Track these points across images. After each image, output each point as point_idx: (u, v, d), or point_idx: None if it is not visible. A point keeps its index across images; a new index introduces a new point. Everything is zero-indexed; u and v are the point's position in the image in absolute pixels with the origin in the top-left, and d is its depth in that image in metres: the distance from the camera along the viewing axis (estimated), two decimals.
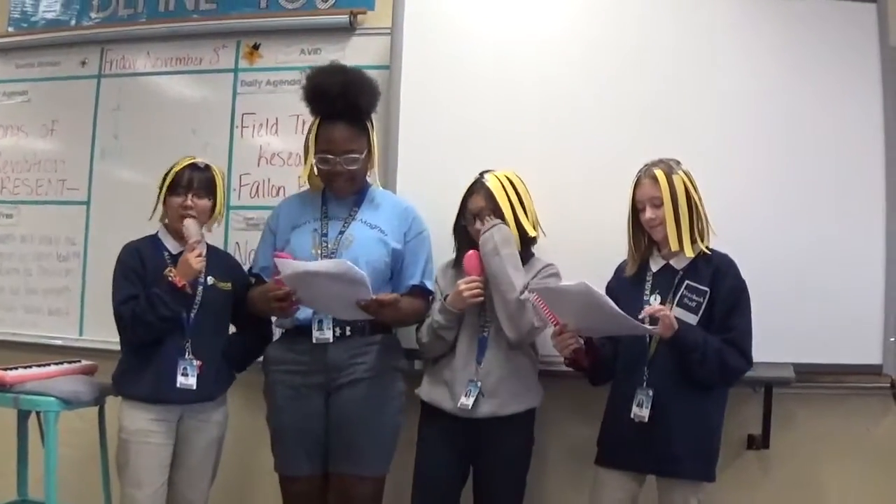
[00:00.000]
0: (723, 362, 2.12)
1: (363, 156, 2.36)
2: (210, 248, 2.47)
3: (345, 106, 2.32)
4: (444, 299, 2.36)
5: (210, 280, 2.41)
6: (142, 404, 2.32)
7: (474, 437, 2.34)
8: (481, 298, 2.32)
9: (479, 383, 2.32)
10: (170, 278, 2.29)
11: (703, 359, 2.11)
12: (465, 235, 2.45)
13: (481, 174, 2.44)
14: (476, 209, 2.39)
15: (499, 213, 2.37)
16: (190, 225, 2.36)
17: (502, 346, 2.35)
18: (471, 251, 2.36)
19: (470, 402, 2.30)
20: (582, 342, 2.21)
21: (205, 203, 2.41)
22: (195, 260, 2.31)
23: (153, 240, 2.46)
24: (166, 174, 2.42)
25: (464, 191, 2.45)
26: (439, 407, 2.37)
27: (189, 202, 2.37)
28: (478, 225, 2.38)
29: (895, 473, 2.64)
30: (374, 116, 2.46)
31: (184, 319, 2.36)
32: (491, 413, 2.31)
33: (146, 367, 2.32)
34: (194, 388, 2.33)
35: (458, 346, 2.38)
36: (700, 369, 2.12)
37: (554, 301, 2.16)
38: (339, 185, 2.38)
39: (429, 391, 2.42)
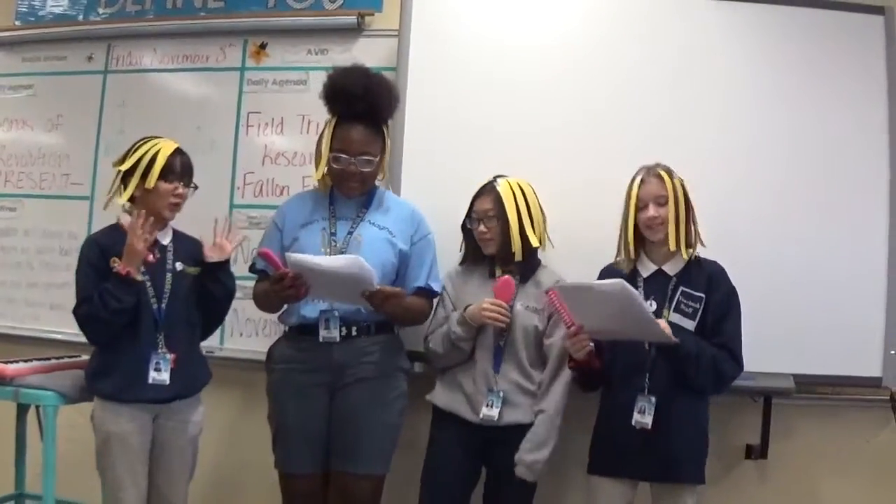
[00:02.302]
0: (718, 369, 2.14)
1: (377, 159, 2.37)
2: (177, 233, 2.42)
3: (365, 107, 2.33)
4: (464, 310, 2.35)
5: (179, 266, 2.34)
6: (118, 404, 2.25)
7: (489, 441, 2.34)
8: (502, 325, 2.32)
9: (500, 393, 2.32)
10: (114, 268, 2.20)
11: (698, 367, 2.12)
12: (471, 236, 2.46)
13: (494, 178, 2.44)
14: (482, 211, 2.39)
15: (503, 219, 2.37)
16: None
17: (520, 355, 2.36)
18: (505, 276, 2.36)
19: (494, 412, 2.30)
20: (592, 345, 2.19)
21: (188, 192, 2.35)
22: (140, 245, 2.19)
23: (114, 230, 2.34)
24: (141, 157, 2.29)
25: (471, 192, 2.46)
26: (457, 415, 2.36)
27: (181, 190, 2.31)
28: (481, 227, 2.38)
29: (893, 486, 2.64)
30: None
31: (155, 311, 2.29)
32: (513, 422, 2.31)
33: (119, 364, 2.25)
34: (167, 383, 2.25)
35: (476, 355, 2.38)
36: (694, 377, 2.14)
37: (576, 300, 2.12)
38: (350, 186, 2.38)
39: (445, 398, 2.41)
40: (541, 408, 2.32)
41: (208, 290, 2.38)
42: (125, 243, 2.22)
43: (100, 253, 2.28)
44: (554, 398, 2.32)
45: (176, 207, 2.34)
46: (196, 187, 2.38)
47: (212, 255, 2.37)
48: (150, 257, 2.28)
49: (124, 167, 2.31)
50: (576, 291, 2.12)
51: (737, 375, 2.19)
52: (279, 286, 2.23)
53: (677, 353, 2.12)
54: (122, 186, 2.33)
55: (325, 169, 2.38)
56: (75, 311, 2.27)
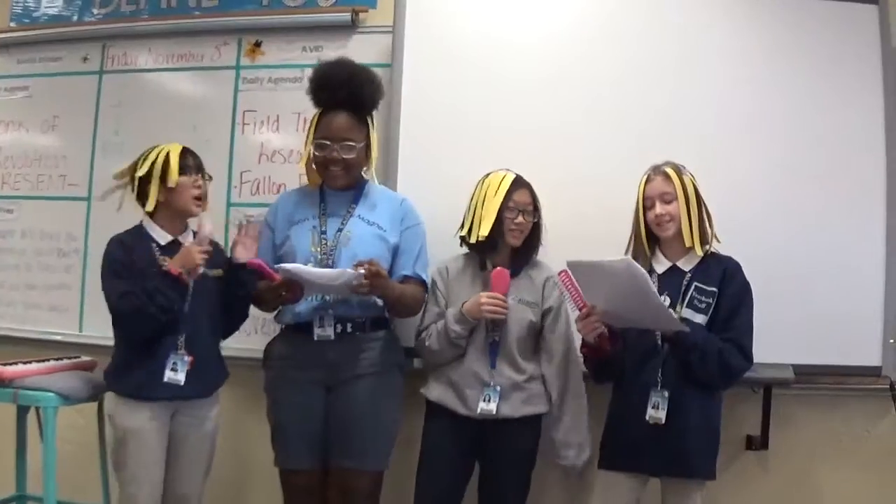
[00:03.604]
0: (724, 362, 2.13)
1: (360, 146, 2.37)
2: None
3: (348, 95, 2.35)
4: (461, 307, 2.34)
5: (200, 269, 2.33)
6: (136, 402, 2.26)
7: (482, 435, 2.35)
8: (502, 316, 2.32)
9: (497, 388, 2.33)
10: (164, 267, 2.23)
11: (703, 358, 2.12)
12: (498, 232, 2.38)
13: (515, 173, 2.42)
14: (524, 204, 2.38)
15: (538, 210, 2.41)
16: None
17: (513, 350, 2.36)
18: (499, 268, 2.35)
19: (492, 407, 2.31)
20: (605, 328, 2.18)
21: (206, 184, 2.39)
22: (198, 255, 2.26)
23: (139, 231, 2.37)
24: (153, 161, 2.32)
25: (467, 188, 2.45)
26: (451, 409, 2.37)
27: (200, 182, 2.35)
28: (520, 219, 2.37)
29: (893, 475, 2.64)
30: (375, 114, 2.46)
31: (179, 313, 2.30)
32: (505, 415, 2.32)
33: (141, 363, 2.26)
34: (182, 384, 2.26)
35: (468, 351, 2.37)
36: (700, 369, 2.13)
37: (587, 279, 2.11)
38: (334, 174, 2.38)
39: (438, 393, 2.41)
40: (563, 413, 2.37)
41: (231, 291, 2.39)
42: (150, 246, 2.30)
43: (125, 251, 2.30)
44: (574, 402, 2.38)
45: (200, 201, 2.36)
46: (211, 178, 2.43)
47: (239, 257, 2.37)
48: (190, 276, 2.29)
49: (141, 172, 2.32)
50: (585, 269, 2.11)
51: (745, 370, 2.19)
52: (274, 293, 2.27)
53: (684, 343, 2.12)
54: (135, 194, 2.36)
55: (310, 158, 2.40)
56: (117, 306, 2.24)
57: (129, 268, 2.28)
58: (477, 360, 2.36)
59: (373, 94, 2.40)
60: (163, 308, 2.22)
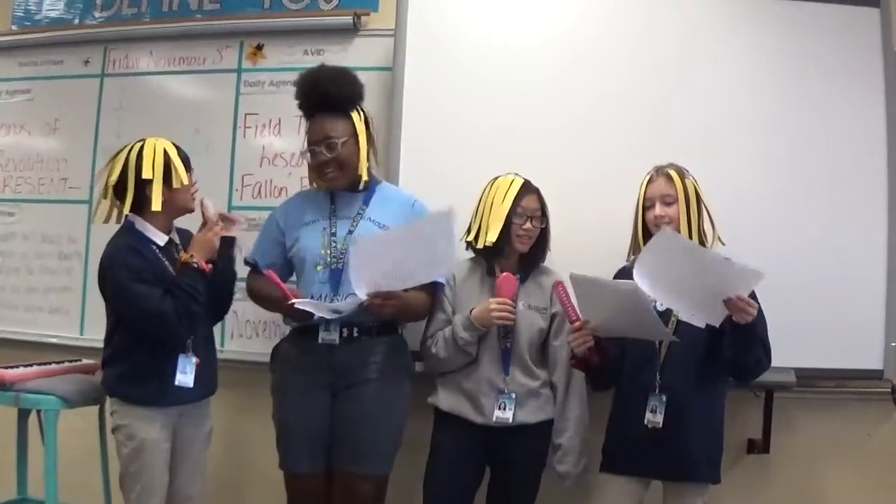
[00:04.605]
0: (758, 358, 2.12)
1: (343, 140, 2.34)
2: (180, 231, 2.40)
3: (318, 97, 2.35)
4: (469, 313, 2.33)
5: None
6: (149, 409, 2.23)
7: (494, 441, 2.34)
8: (510, 322, 2.31)
9: (513, 395, 2.32)
10: (195, 264, 2.21)
11: (753, 344, 2.09)
12: (506, 237, 2.37)
13: (523, 178, 2.41)
14: (532, 210, 2.37)
15: (546, 216, 2.41)
16: (205, 200, 2.33)
17: (525, 356, 2.36)
18: (505, 273, 2.34)
19: (509, 414, 2.30)
20: (593, 341, 2.18)
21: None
22: (216, 239, 2.29)
23: (136, 234, 2.28)
24: (150, 162, 2.25)
25: (468, 191, 2.44)
26: (465, 418, 2.35)
27: (195, 177, 2.34)
28: (527, 225, 2.36)
29: (895, 479, 2.63)
30: (375, 117, 2.45)
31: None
32: (522, 421, 2.32)
33: (157, 369, 2.23)
34: (191, 386, 2.24)
35: (480, 358, 2.36)
36: (746, 355, 2.10)
37: (586, 293, 2.11)
38: (330, 175, 2.36)
39: (450, 401, 2.38)
40: (566, 420, 2.35)
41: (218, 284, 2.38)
42: (150, 248, 2.25)
43: (141, 258, 2.22)
44: (577, 408, 2.36)
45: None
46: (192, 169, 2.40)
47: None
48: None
49: (147, 174, 2.23)
50: (588, 285, 2.10)
51: (767, 368, 2.18)
52: (278, 307, 2.31)
53: (753, 332, 2.06)
54: (130, 196, 2.26)
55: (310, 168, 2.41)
56: (155, 308, 2.15)
57: (147, 272, 2.20)
58: (491, 368, 2.34)
59: (338, 90, 2.36)
60: (201, 304, 2.21)
